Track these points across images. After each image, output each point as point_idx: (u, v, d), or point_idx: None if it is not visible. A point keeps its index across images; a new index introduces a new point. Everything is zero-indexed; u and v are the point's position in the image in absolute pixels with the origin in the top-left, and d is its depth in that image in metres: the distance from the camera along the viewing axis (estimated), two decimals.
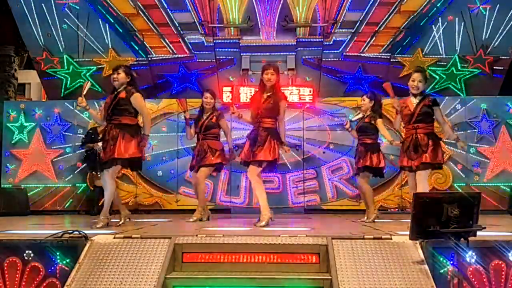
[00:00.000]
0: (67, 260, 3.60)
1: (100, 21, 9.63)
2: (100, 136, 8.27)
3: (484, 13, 9.34)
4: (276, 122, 5.32)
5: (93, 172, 8.49)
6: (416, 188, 5.07)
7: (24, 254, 3.62)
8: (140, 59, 9.74)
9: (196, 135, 6.41)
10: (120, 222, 5.44)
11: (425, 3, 9.24)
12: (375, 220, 6.07)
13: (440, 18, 9.45)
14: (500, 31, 9.40)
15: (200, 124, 6.29)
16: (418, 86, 5.22)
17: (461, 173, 8.92)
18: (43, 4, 9.52)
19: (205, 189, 6.43)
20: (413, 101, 5.27)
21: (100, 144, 8.32)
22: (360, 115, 6.53)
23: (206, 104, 6.33)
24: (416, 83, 5.22)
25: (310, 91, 9.24)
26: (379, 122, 6.16)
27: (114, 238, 3.87)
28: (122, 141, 5.14)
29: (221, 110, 6.59)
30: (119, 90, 5.27)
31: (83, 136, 8.72)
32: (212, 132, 6.30)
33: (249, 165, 5.30)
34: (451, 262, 3.41)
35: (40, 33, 9.70)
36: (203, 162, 6.20)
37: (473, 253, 3.43)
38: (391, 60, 9.65)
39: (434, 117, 5.27)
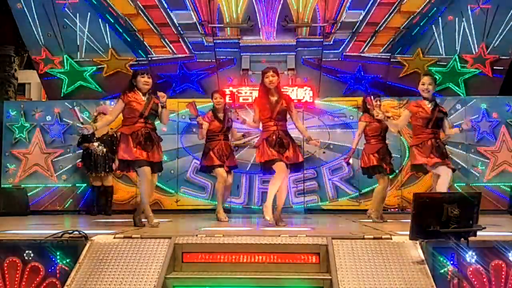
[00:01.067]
0: (67, 260, 3.60)
1: (100, 21, 9.63)
2: (115, 134, 8.35)
3: (484, 13, 9.34)
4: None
5: (88, 172, 8.50)
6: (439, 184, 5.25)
7: (24, 254, 3.63)
8: (140, 59, 9.74)
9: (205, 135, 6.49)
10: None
11: (425, 3, 9.22)
12: (370, 220, 6.12)
13: (440, 18, 9.44)
14: (500, 31, 9.39)
15: (222, 125, 6.41)
16: (429, 89, 5.37)
17: (461, 173, 8.91)
18: (43, 4, 9.52)
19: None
20: (428, 104, 5.40)
21: (95, 144, 8.40)
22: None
23: (217, 104, 6.45)
24: (427, 86, 5.36)
25: (310, 91, 9.24)
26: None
27: (114, 238, 3.87)
28: (160, 146, 5.38)
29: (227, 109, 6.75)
30: (147, 94, 5.30)
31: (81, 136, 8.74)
32: (228, 133, 6.54)
33: (278, 161, 5.28)
34: (451, 262, 3.41)
35: (40, 33, 9.69)
36: (232, 163, 6.44)
37: (473, 253, 3.43)
38: (391, 60, 9.64)
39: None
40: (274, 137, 5.29)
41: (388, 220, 6.27)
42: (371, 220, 6.12)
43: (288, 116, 5.52)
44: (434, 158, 5.28)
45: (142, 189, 5.35)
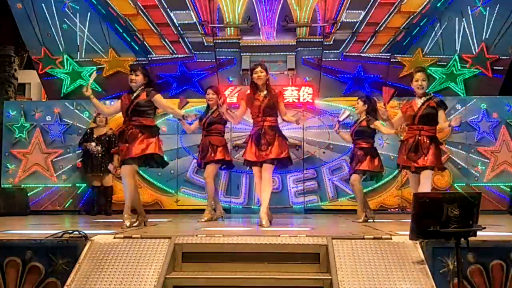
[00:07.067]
0: (67, 260, 3.60)
1: (100, 21, 9.63)
2: (114, 134, 8.44)
3: (484, 13, 9.34)
4: (277, 119, 5.44)
5: (87, 172, 8.50)
6: (418, 188, 5.10)
7: (24, 254, 3.63)
8: (140, 59, 9.74)
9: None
10: (135, 224, 5.33)
11: (425, 3, 9.22)
12: (370, 220, 6.13)
13: (440, 18, 9.45)
14: (500, 31, 9.39)
15: (203, 121, 6.37)
16: (422, 85, 5.25)
17: (461, 173, 8.91)
18: (43, 4, 9.52)
19: (213, 188, 6.47)
20: (418, 102, 5.31)
21: (93, 144, 8.41)
22: (347, 113, 6.66)
23: (209, 100, 6.43)
24: (420, 82, 5.24)
25: (310, 91, 9.23)
26: (377, 123, 6.19)
27: (114, 238, 3.87)
28: (142, 140, 5.14)
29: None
30: (137, 91, 5.28)
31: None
32: (215, 128, 6.36)
33: (255, 165, 5.35)
34: (451, 262, 3.41)
35: (40, 33, 9.69)
36: (206, 159, 6.27)
37: (473, 253, 3.43)
38: (391, 60, 9.65)
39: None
40: (259, 132, 5.30)
41: (388, 220, 6.27)
42: (371, 221, 6.13)
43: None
44: (409, 160, 5.23)
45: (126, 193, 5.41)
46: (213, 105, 6.35)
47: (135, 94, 5.27)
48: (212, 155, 6.21)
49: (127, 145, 5.13)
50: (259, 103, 5.33)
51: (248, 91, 5.56)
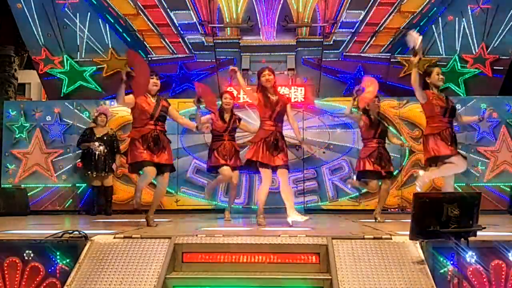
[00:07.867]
0: (67, 260, 3.60)
1: (100, 21, 9.64)
2: (117, 134, 8.55)
3: (484, 13, 9.35)
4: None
5: (89, 172, 8.46)
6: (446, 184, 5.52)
7: (24, 254, 3.63)
8: None
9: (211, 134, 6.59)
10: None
11: (425, 3, 9.24)
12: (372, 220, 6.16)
13: (440, 18, 9.46)
14: (500, 31, 9.40)
15: (226, 125, 6.41)
16: (443, 79, 5.56)
17: (461, 173, 8.89)
18: (43, 4, 9.53)
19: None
20: (441, 95, 5.50)
21: (96, 144, 8.38)
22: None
23: (226, 104, 6.48)
24: (441, 76, 5.53)
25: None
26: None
27: (114, 238, 3.87)
28: (169, 147, 5.42)
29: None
30: (156, 96, 5.36)
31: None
32: (234, 134, 6.59)
33: (266, 167, 5.34)
34: (451, 262, 3.42)
35: (40, 33, 9.70)
36: (235, 163, 6.43)
37: (473, 253, 3.43)
38: (391, 60, 9.65)
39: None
40: (272, 138, 5.30)
41: (388, 220, 6.27)
42: (373, 220, 6.12)
43: (284, 117, 5.56)
44: (447, 148, 5.31)
45: (139, 187, 5.51)
46: (229, 109, 6.47)
47: (156, 99, 5.34)
48: (238, 162, 6.44)
49: (160, 151, 5.23)
50: (272, 106, 5.35)
51: (249, 88, 5.65)
